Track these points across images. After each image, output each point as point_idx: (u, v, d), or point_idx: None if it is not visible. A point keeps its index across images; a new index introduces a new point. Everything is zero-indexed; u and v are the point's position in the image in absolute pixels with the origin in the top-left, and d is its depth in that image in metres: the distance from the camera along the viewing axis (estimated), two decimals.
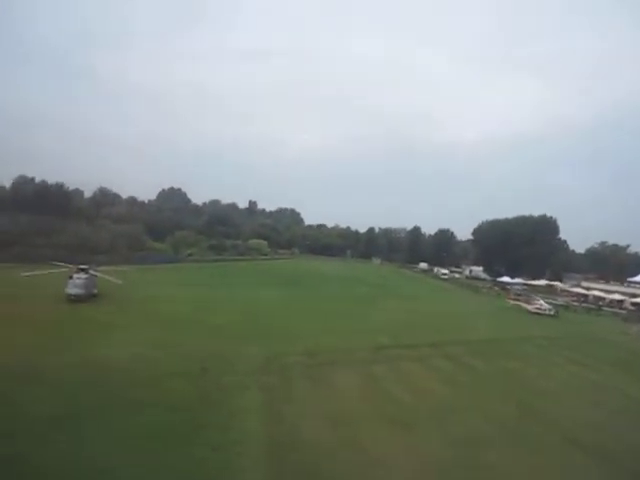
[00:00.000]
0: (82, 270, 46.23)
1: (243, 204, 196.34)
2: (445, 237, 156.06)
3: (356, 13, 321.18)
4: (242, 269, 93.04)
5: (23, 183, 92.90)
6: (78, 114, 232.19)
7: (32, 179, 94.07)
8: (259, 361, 30.67)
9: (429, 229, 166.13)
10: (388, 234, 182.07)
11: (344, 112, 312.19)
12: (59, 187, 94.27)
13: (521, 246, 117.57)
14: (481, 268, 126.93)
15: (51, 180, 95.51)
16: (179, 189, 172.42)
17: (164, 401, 22.35)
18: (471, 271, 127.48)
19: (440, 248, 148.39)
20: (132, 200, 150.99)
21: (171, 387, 24.38)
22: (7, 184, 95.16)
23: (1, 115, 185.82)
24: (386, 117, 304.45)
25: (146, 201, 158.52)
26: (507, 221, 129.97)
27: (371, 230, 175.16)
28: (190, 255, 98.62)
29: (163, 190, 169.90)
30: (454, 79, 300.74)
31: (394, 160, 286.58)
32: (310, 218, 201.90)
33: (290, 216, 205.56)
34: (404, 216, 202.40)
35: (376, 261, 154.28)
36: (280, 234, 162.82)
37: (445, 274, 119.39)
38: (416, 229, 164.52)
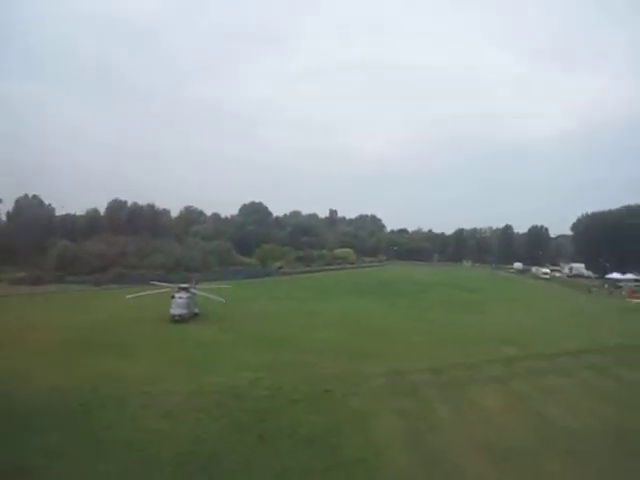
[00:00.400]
0: (183, 289, 45.39)
1: (323, 214, 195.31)
2: (539, 234, 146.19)
3: (421, 18, 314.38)
4: (333, 279, 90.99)
5: (117, 207, 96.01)
6: (155, 134, 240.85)
7: (125, 202, 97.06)
8: (381, 380, 27.76)
9: (516, 227, 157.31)
10: (474, 234, 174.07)
11: (418, 116, 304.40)
12: (150, 208, 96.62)
13: (631, 239, 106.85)
14: (583, 265, 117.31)
15: (141, 202, 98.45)
16: (260, 203, 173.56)
17: (297, 432, 19.90)
18: (571, 269, 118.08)
19: (534, 246, 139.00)
20: (216, 216, 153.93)
21: (299, 414, 21.98)
22: (102, 209, 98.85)
23: (88, 142, 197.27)
24: (463, 118, 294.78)
25: (229, 216, 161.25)
26: (612, 213, 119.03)
27: (459, 232, 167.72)
28: (280, 268, 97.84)
29: (244, 205, 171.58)
30: (526, 77, 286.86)
31: (474, 160, 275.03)
32: (391, 223, 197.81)
33: (371, 222, 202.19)
34: (485, 215, 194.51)
35: (467, 264, 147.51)
36: (363, 241, 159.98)
37: (546, 273, 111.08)
38: (507, 228, 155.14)
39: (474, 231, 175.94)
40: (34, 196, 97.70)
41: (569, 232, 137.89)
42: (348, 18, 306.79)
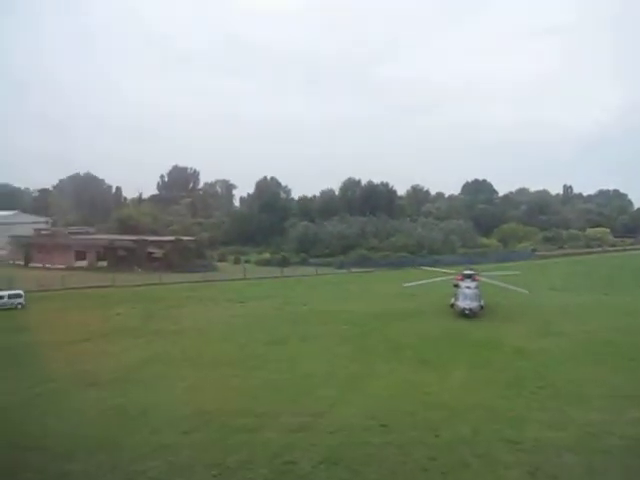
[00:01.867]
0: (468, 276, 37.22)
1: (553, 190, 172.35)
2: None
3: None
4: (609, 264, 73.47)
5: (351, 186, 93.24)
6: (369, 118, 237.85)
7: (359, 181, 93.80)
8: None
9: None
10: None
11: None
12: (384, 186, 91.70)
13: None
14: None
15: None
16: (484, 180, 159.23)
17: None
18: None
19: None
20: (440, 195, 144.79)
21: None
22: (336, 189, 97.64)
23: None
24: None
25: (452, 195, 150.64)
26: None
27: None
28: (534, 250, 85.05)
29: (467, 182, 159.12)
30: None
31: None
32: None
33: (614, 198, 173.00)
34: None
35: None
36: (611, 220, 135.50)
37: None
38: None
39: None
40: (272, 178, 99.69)
41: None
42: None
